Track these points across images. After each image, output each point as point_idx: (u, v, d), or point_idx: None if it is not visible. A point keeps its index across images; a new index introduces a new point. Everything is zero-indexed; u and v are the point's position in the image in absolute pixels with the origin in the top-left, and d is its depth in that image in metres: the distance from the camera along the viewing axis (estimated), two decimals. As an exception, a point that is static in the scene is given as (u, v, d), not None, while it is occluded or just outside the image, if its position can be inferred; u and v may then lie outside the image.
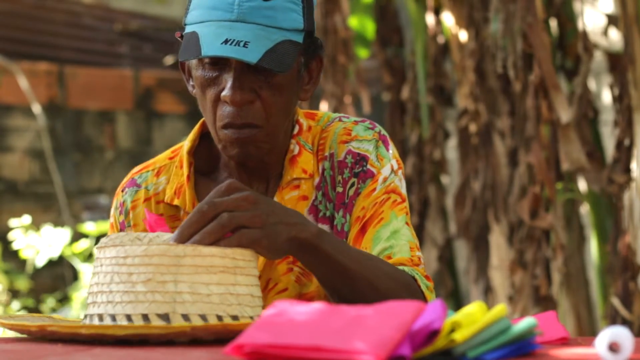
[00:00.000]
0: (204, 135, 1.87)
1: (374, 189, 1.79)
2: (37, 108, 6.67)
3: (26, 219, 5.14)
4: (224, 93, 1.69)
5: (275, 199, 1.80)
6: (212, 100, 1.72)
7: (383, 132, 1.85)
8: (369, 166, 1.80)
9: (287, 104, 1.76)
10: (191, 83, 1.80)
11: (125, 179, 1.89)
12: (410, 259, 1.74)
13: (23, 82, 6.61)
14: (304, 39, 1.74)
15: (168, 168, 1.87)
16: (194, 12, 1.72)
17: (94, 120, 7.27)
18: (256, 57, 1.64)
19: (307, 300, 1.77)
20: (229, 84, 1.69)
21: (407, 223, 1.79)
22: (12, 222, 5.16)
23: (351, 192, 1.80)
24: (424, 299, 1.70)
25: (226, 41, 1.65)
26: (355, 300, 1.52)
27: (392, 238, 1.75)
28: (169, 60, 7.48)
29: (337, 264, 1.59)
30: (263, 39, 1.67)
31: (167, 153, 1.90)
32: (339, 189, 1.81)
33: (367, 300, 1.49)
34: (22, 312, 5.10)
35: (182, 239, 1.46)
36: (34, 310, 5.66)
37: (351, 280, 1.60)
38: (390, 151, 1.83)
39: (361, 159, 1.80)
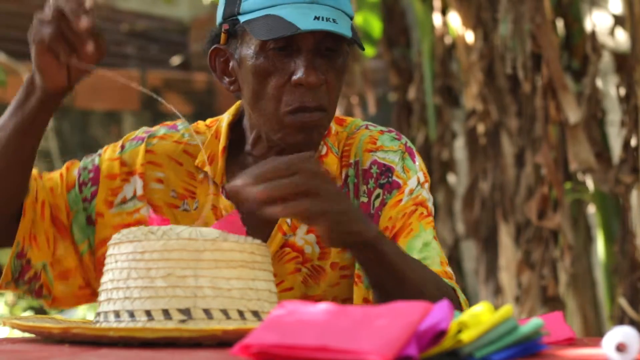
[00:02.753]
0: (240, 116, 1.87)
1: (400, 200, 1.78)
2: (43, 109, 6.67)
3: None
4: (297, 76, 1.69)
5: None
6: (276, 87, 1.71)
7: (409, 144, 1.85)
8: (394, 177, 1.80)
9: (341, 89, 1.78)
10: (227, 80, 1.80)
11: (157, 126, 1.91)
12: (444, 272, 1.74)
13: (29, 83, 6.61)
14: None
15: (205, 134, 1.87)
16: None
17: (101, 120, 7.28)
18: (348, 32, 1.67)
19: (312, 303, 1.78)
20: (302, 68, 1.69)
21: (434, 237, 1.79)
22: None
23: (377, 203, 1.79)
24: (460, 309, 1.70)
25: (316, 18, 1.66)
26: (399, 294, 1.52)
27: (425, 250, 1.75)
28: (175, 60, 7.49)
29: (391, 266, 1.58)
30: (342, 18, 1.70)
31: (205, 122, 1.91)
32: (364, 199, 1.80)
33: (409, 294, 1.52)
34: (28, 313, 5.11)
35: (253, 182, 1.42)
36: (40, 310, 5.66)
37: (401, 283, 1.60)
38: (417, 163, 1.83)
39: (386, 170, 1.80)
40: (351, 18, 1.75)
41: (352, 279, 1.79)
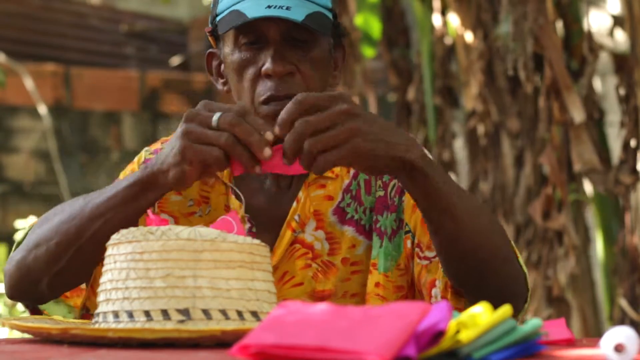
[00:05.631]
0: None
1: None
2: (42, 109, 6.68)
3: (33, 220, 5.14)
4: (265, 67, 1.73)
5: (301, 194, 1.82)
6: (250, 79, 1.75)
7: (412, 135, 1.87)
8: None
9: (323, 81, 1.79)
10: (221, 81, 1.85)
11: (157, 143, 1.93)
12: None
13: (29, 83, 6.62)
14: (332, 18, 1.80)
15: None
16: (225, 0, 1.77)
17: (100, 121, 7.28)
18: (300, 17, 1.69)
19: (321, 297, 1.80)
20: (269, 58, 1.72)
21: None
22: (19, 223, 5.17)
23: (392, 192, 1.81)
24: (516, 257, 1.70)
25: (269, 6, 1.70)
26: (458, 233, 1.55)
27: None
28: (174, 61, 7.49)
29: (441, 194, 1.57)
30: (302, 6, 1.72)
31: None
32: (380, 193, 1.82)
33: (470, 234, 1.55)
34: (28, 314, 5.10)
35: (291, 159, 1.48)
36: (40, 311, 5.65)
37: (453, 211, 1.58)
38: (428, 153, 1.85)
39: None
40: (325, 7, 1.78)
41: (364, 275, 1.81)
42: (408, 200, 1.80)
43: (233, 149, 1.51)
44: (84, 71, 7.22)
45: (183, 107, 7.51)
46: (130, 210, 1.64)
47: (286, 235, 1.80)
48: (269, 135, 1.51)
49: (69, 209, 1.69)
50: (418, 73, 4.93)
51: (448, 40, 4.75)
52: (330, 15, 1.79)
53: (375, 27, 5.20)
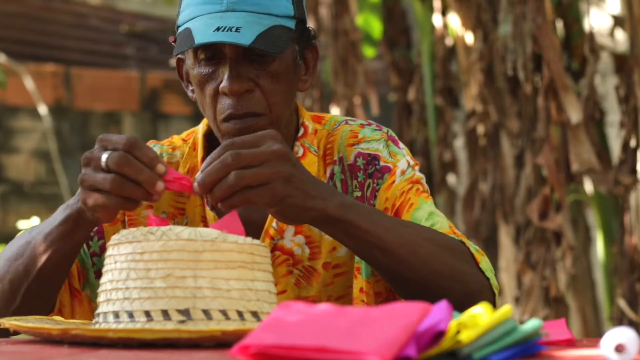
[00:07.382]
0: None
1: (393, 182, 1.77)
2: (43, 109, 6.68)
3: (34, 220, 5.15)
4: (222, 85, 1.70)
5: None
6: (210, 96, 1.73)
7: (391, 132, 1.85)
8: (382, 163, 1.79)
9: (287, 92, 1.76)
10: (190, 88, 1.82)
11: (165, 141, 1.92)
12: (453, 234, 1.72)
13: (29, 84, 6.62)
14: (295, 26, 1.74)
15: (182, 148, 1.88)
16: (185, 11, 1.75)
17: (100, 121, 7.28)
18: (249, 39, 1.65)
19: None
20: (226, 76, 1.70)
21: (436, 208, 1.78)
22: (20, 223, 5.17)
23: (369, 193, 1.79)
24: (473, 260, 1.67)
25: (218, 29, 1.66)
26: (397, 268, 1.55)
27: (431, 218, 1.73)
28: (174, 61, 7.49)
29: (368, 235, 1.57)
30: (254, 24, 1.68)
31: (181, 136, 1.91)
32: (357, 193, 1.80)
33: (409, 267, 1.55)
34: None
35: (205, 188, 1.46)
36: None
37: (388, 250, 1.58)
38: (402, 149, 1.83)
39: (372, 159, 1.80)
40: (286, 16, 1.73)
41: (349, 276, 1.79)
42: (380, 198, 1.77)
43: (122, 190, 1.48)
44: (84, 71, 7.22)
45: (183, 107, 7.52)
46: (68, 245, 1.65)
47: (265, 243, 1.77)
48: (160, 168, 1.48)
49: (17, 247, 1.70)
50: (419, 73, 4.93)
51: (449, 41, 4.75)
52: (292, 23, 1.73)
53: (376, 27, 5.21)
